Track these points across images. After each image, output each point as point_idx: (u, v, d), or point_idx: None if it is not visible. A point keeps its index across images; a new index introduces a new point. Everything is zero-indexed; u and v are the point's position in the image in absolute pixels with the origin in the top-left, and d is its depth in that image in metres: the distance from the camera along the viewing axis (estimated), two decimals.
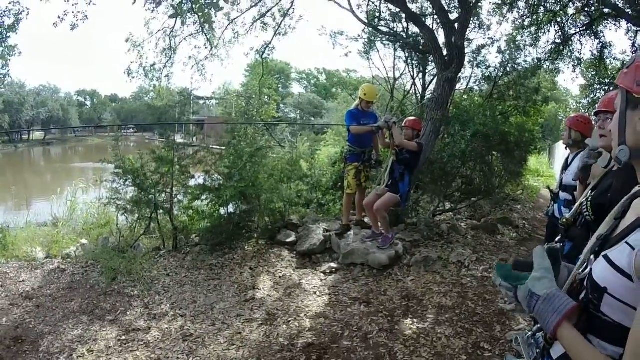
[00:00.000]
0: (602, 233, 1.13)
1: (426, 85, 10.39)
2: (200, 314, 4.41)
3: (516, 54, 10.50)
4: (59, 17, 7.19)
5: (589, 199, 2.19)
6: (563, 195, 3.85)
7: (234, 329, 4.07)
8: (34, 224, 8.16)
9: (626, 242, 0.96)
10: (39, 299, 4.91)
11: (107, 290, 5.01)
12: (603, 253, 1.02)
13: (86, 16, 7.32)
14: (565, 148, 4.16)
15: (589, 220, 2.16)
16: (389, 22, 9.85)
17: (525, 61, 10.50)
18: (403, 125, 5.59)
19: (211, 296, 4.77)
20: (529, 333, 1.22)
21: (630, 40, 9.89)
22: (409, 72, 10.78)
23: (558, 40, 10.40)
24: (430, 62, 9.59)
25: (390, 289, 4.69)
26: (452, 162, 6.59)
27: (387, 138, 5.56)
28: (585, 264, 1.14)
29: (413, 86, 10.84)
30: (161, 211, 6.16)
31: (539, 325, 1.23)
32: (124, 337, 4.06)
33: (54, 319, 4.45)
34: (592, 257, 1.11)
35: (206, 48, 9.42)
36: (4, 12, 6.74)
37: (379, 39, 10.52)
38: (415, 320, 3.98)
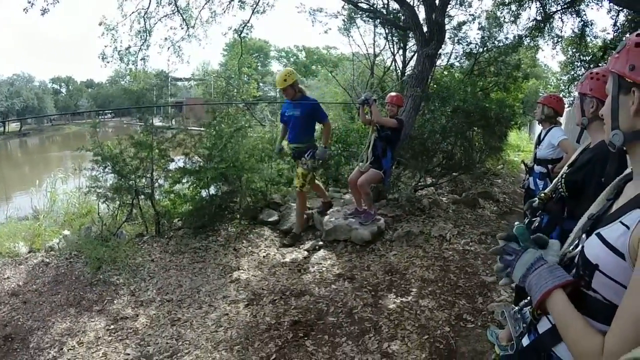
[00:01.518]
0: (593, 212, 1.15)
1: (406, 62, 10.41)
2: (187, 297, 4.42)
3: (497, 31, 10.55)
4: (29, 2, 7.01)
5: (564, 176, 2.24)
6: (537, 168, 4.10)
7: (220, 310, 4.09)
8: (15, 219, 8.01)
9: (620, 222, 0.97)
10: (25, 295, 4.86)
11: (93, 280, 4.97)
12: (596, 231, 1.04)
13: (58, 0, 7.13)
14: (538, 123, 4.34)
15: (564, 196, 2.21)
16: None
17: (506, 38, 10.57)
18: (386, 102, 5.62)
19: (196, 279, 4.77)
20: (516, 308, 1.24)
21: (612, 19, 10.01)
22: (389, 48, 10.81)
23: (539, 18, 10.44)
24: (410, 39, 9.58)
25: (374, 264, 4.76)
26: (432, 137, 6.65)
27: (367, 114, 5.56)
28: (577, 242, 1.16)
29: (393, 62, 10.85)
30: (142, 197, 6.09)
31: (526, 301, 1.26)
32: (112, 327, 4.06)
33: (42, 314, 4.42)
34: (583, 235, 1.14)
35: (182, 29, 9.22)
36: None
37: (358, 15, 10.44)
38: (398, 294, 4.05)
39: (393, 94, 5.64)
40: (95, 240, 5.66)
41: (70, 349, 3.76)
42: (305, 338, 3.48)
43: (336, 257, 5.07)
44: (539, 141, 4.16)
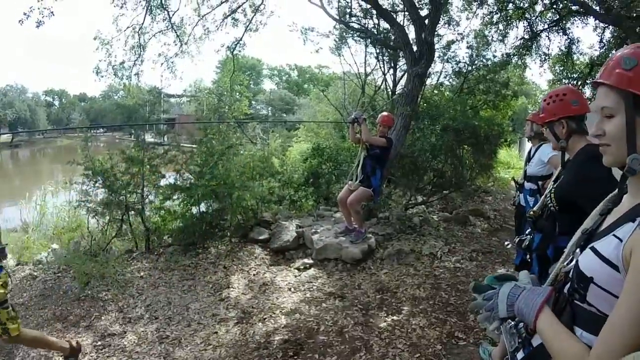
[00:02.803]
0: (587, 227, 1.17)
1: (397, 81, 10.52)
2: (176, 315, 4.38)
3: (485, 49, 10.74)
4: (24, 14, 7.05)
5: (552, 191, 2.28)
6: (528, 185, 4.15)
7: (209, 329, 4.06)
8: (4, 230, 7.92)
9: (614, 235, 0.99)
10: None
11: (81, 295, 4.90)
12: (590, 245, 1.06)
13: (52, 12, 7.16)
14: (528, 140, 4.42)
15: (554, 211, 2.24)
16: (360, 18, 9.92)
17: (494, 56, 10.75)
18: (377, 122, 5.68)
19: (186, 297, 4.73)
20: (512, 323, 1.26)
21: (598, 36, 10.26)
22: (380, 67, 10.92)
23: (526, 36, 10.67)
24: (400, 58, 9.69)
25: (364, 283, 4.75)
26: (422, 155, 6.70)
27: (357, 133, 5.59)
28: (571, 257, 1.17)
29: (384, 82, 10.96)
30: (132, 212, 6.06)
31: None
32: (99, 343, 4.00)
33: (28, 328, 4.35)
34: (577, 250, 1.15)
35: (176, 45, 9.28)
36: None
37: (350, 35, 10.58)
38: (390, 313, 4.04)
39: (385, 114, 5.69)
40: (84, 255, 5.59)
41: None
42: (295, 357, 3.45)
43: (327, 275, 5.06)
44: (529, 158, 4.22)
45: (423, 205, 7.44)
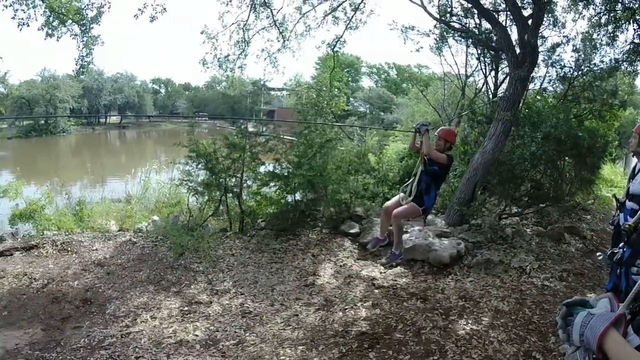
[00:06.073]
0: None
1: (498, 84, 10.06)
2: (261, 293, 4.63)
3: (592, 54, 9.86)
4: (139, 10, 7.69)
5: None
6: (629, 204, 3.75)
7: (291, 310, 4.23)
8: (109, 200, 8.82)
9: None
10: (109, 267, 5.35)
11: (174, 264, 5.35)
12: None
13: (164, 9, 7.76)
14: (633, 156, 3.99)
15: None
16: (461, 17, 9.61)
17: (602, 61, 9.81)
18: (436, 134, 5.35)
19: (272, 278, 4.97)
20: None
21: None
22: (481, 69, 10.51)
23: (637, 40, 9.60)
24: (502, 60, 9.26)
25: (448, 288, 4.66)
26: (521, 164, 6.37)
27: (417, 143, 5.31)
28: None
29: (485, 84, 10.54)
30: (230, 195, 6.45)
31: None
32: (186, 308, 4.34)
33: (122, 286, 4.83)
34: None
35: (278, 41, 9.65)
36: (87, 5, 7.30)
37: (450, 34, 10.30)
38: (469, 321, 3.93)
39: (446, 127, 5.39)
40: (182, 229, 6.06)
41: (143, 321, 4.08)
42: (370, 350, 3.50)
43: (412, 276, 5.04)
44: (633, 175, 3.82)
45: (517, 217, 7.06)
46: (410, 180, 5.35)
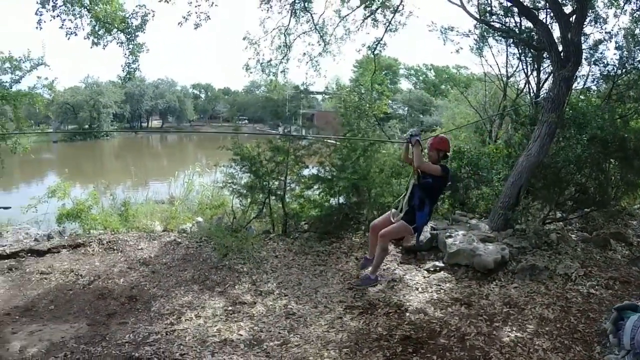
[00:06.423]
0: None
1: (541, 84, 9.79)
2: (304, 295, 4.71)
3: (635, 50, 9.43)
4: (183, 17, 7.85)
5: None
6: None
7: (335, 313, 4.29)
8: (152, 201, 9.14)
9: None
10: (154, 266, 5.54)
11: (218, 264, 5.51)
12: None
13: (208, 16, 7.95)
14: None
15: None
16: (501, 16, 9.42)
17: None
18: (428, 144, 4.78)
19: (316, 280, 5.06)
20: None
21: None
22: (523, 69, 10.26)
23: None
24: (545, 59, 9.03)
25: (493, 294, 4.62)
26: (566, 167, 6.21)
27: (410, 155, 4.73)
28: None
29: (526, 84, 10.30)
30: (274, 197, 6.59)
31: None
32: (230, 308, 4.46)
33: (167, 285, 5.01)
34: None
35: (319, 45, 9.73)
36: (132, 14, 7.58)
37: (491, 34, 10.12)
38: (514, 328, 3.90)
39: (440, 136, 4.84)
40: (226, 230, 6.26)
41: (188, 320, 4.21)
42: (414, 354, 3.51)
43: (456, 281, 5.02)
44: None
45: (561, 222, 6.88)
46: (402, 195, 4.87)
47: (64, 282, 5.10)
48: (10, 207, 9.70)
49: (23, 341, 3.81)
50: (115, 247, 6.19)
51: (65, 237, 6.73)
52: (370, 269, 4.86)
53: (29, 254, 5.97)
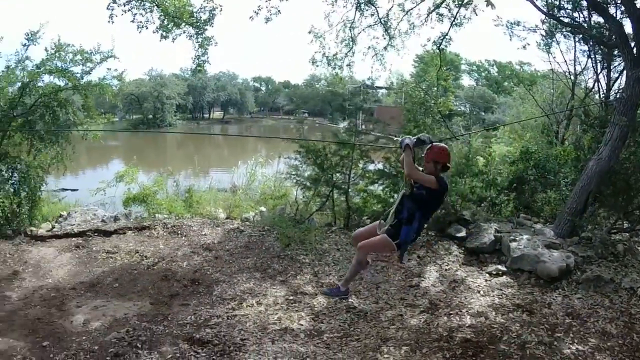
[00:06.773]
0: None
1: (611, 83, 9.29)
2: (365, 290, 4.81)
3: None
4: (254, 11, 8.06)
5: None
6: None
7: (396, 310, 4.37)
8: (215, 189, 9.52)
9: None
10: (217, 252, 5.80)
11: (281, 254, 5.71)
12: None
13: (279, 10, 8.09)
14: None
15: None
16: (569, 11, 8.97)
17: None
18: (424, 154, 4.08)
19: (377, 276, 5.13)
20: None
21: None
22: (592, 67, 9.79)
23: None
24: (616, 57, 8.55)
25: (555, 303, 4.53)
26: (636, 174, 5.92)
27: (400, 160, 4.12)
28: None
29: (596, 83, 9.80)
30: (337, 191, 6.69)
31: None
32: (291, 297, 4.61)
33: (230, 271, 5.23)
34: None
35: (384, 39, 9.70)
36: (200, 9, 7.87)
37: (559, 30, 9.68)
38: (575, 341, 3.81)
39: (438, 145, 4.07)
40: (288, 221, 6.46)
41: (249, 306, 4.40)
42: (474, 358, 3.52)
43: (518, 286, 4.95)
44: None
45: (628, 233, 6.56)
46: (392, 205, 4.31)
47: (129, 261, 5.44)
48: (77, 190, 10.59)
49: (87, 315, 4.08)
50: (179, 232, 6.49)
51: (131, 220, 7.16)
52: (341, 281, 4.51)
53: (96, 234, 6.41)
